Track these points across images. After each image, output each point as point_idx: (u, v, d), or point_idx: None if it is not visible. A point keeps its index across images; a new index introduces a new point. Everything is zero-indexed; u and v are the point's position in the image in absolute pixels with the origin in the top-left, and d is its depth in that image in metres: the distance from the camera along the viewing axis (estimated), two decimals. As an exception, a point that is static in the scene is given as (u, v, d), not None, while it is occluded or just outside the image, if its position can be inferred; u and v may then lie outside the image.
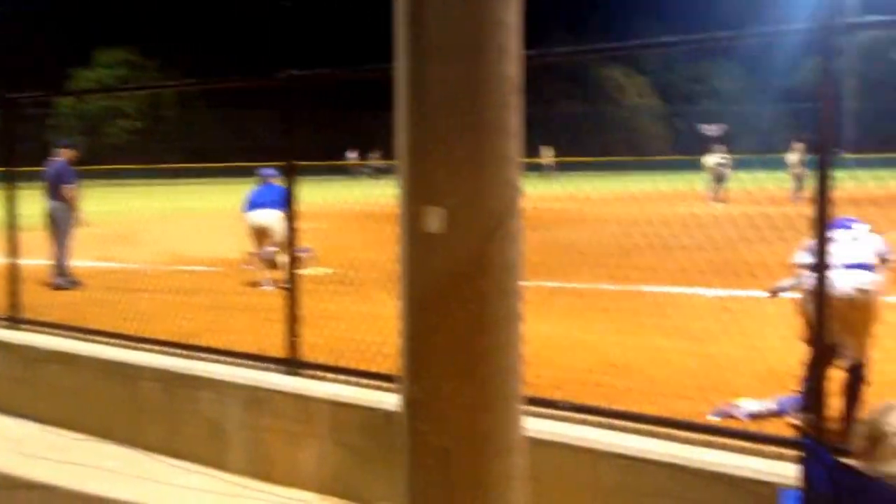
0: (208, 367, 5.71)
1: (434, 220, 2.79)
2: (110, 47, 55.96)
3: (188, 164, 44.56)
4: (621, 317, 8.03)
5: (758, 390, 5.34)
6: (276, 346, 5.63)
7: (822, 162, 3.77)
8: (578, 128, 45.22)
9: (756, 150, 27.96)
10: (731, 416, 5.05)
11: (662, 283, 9.55)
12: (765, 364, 5.14)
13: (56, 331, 6.90)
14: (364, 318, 6.99)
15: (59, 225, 11.35)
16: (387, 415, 4.66)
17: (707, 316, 7.14)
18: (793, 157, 25.78)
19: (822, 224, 3.80)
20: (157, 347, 6.22)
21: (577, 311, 8.42)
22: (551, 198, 24.21)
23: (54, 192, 11.41)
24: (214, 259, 13.34)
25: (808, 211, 3.85)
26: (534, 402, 4.32)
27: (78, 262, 11.64)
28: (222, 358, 5.84)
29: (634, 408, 4.55)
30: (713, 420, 4.94)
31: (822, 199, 3.77)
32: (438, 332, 2.94)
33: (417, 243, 2.87)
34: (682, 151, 28.36)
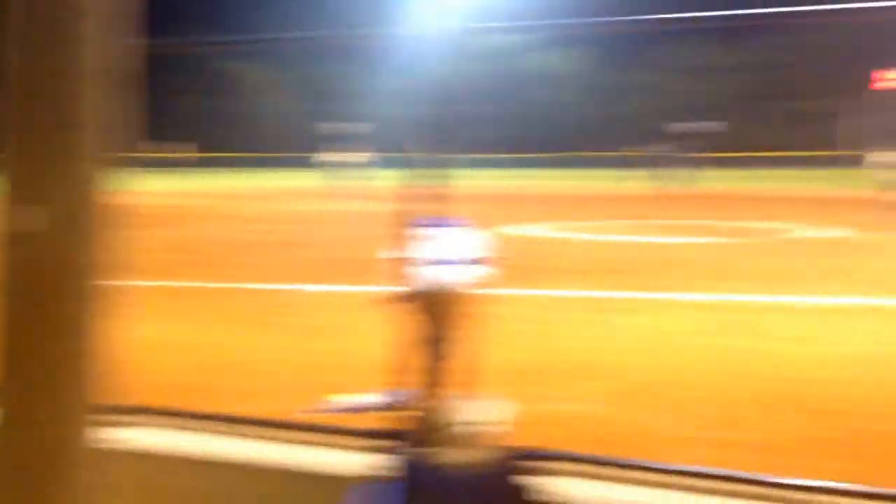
0: None
1: (24, 218, 2.68)
2: None
3: None
4: (234, 316, 7.95)
5: (359, 385, 5.49)
6: None
7: (411, 161, 3.97)
8: (214, 123, 44.37)
9: (393, 149, 29.20)
10: (329, 412, 5.13)
11: (279, 280, 9.64)
12: (367, 359, 5.32)
13: None
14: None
15: None
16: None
17: (318, 313, 7.32)
18: (413, 156, 27.42)
19: (418, 221, 3.99)
20: None
21: (187, 312, 8.15)
22: (181, 194, 23.57)
23: None
24: None
25: (416, 208, 4.02)
26: (127, 410, 4.15)
27: None
28: None
29: (239, 409, 4.50)
30: (306, 417, 4.95)
31: (410, 198, 3.98)
32: (22, 338, 2.83)
33: (9, 243, 2.75)
34: (315, 149, 28.91)
